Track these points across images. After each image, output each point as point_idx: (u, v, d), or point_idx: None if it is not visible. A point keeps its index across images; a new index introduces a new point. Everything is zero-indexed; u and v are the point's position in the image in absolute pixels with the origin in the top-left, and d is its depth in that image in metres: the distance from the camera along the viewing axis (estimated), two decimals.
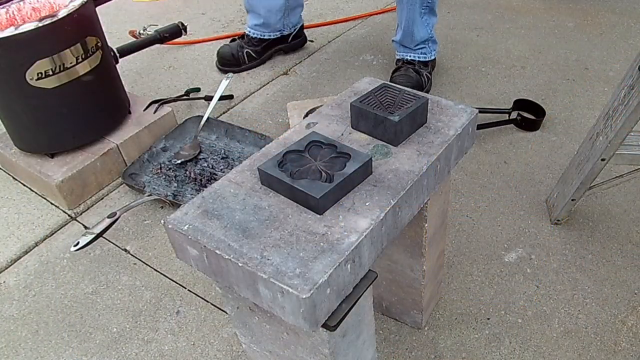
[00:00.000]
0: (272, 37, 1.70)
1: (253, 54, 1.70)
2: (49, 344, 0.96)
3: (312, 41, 1.83)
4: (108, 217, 1.13)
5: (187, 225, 0.56)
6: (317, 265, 0.50)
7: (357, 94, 0.75)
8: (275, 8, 1.63)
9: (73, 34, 1.13)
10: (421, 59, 1.55)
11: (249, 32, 1.69)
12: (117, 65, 1.36)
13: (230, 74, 1.52)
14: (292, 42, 1.78)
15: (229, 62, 1.70)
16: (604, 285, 0.99)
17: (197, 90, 1.60)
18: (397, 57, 1.59)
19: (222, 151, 1.35)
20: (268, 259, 0.51)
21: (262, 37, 1.69)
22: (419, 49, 1.53)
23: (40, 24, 1.06)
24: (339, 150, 0.60)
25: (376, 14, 2.04)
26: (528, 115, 1.40)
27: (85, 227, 1.19)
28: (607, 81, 1.56)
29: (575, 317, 0.94)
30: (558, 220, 1.10)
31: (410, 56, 1.55)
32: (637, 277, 0.99)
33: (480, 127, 1.36)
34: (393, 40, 1.58)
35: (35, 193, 1.29)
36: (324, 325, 0.53)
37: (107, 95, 1.28)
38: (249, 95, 1.61)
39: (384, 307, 0.95)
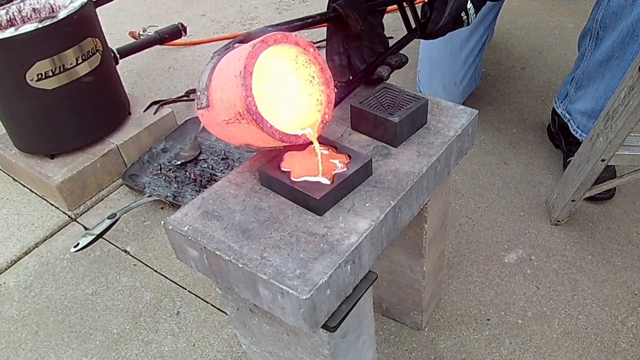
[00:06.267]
0: None
1: None
2: (49, 345, 0.96)
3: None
4: (108, 218, 1.13)
5: (187, 226, 0.56)
6: (317, 266, 0.50)
7: (356, 95, 0.75)
8: None
9: (73, 35, 1.13)
10: None
11: None
12: (117, 66, 1.36)
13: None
14: None
15: None
16: (604, 286, 0.98)
17: None
18: None
19: (222, 152, 1.35)
20: (268, 260, 0.51)
21: None
22: None
23: (41, 25, 1.06)
24: (339, 151, 0.60)
25: None
26: None
27: (85, 228, 1.19)
28: None
29: (576, 318, 0.94)
30: (558, 221, 1.10)
31: None
32: (637, 278, 0.99)
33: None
34: None
35: (36, 194, 1.29)
36: (324, 326, 0.53)
37: (107, 96, 1.28)
38: None
39: (384, 308, 0.95)
